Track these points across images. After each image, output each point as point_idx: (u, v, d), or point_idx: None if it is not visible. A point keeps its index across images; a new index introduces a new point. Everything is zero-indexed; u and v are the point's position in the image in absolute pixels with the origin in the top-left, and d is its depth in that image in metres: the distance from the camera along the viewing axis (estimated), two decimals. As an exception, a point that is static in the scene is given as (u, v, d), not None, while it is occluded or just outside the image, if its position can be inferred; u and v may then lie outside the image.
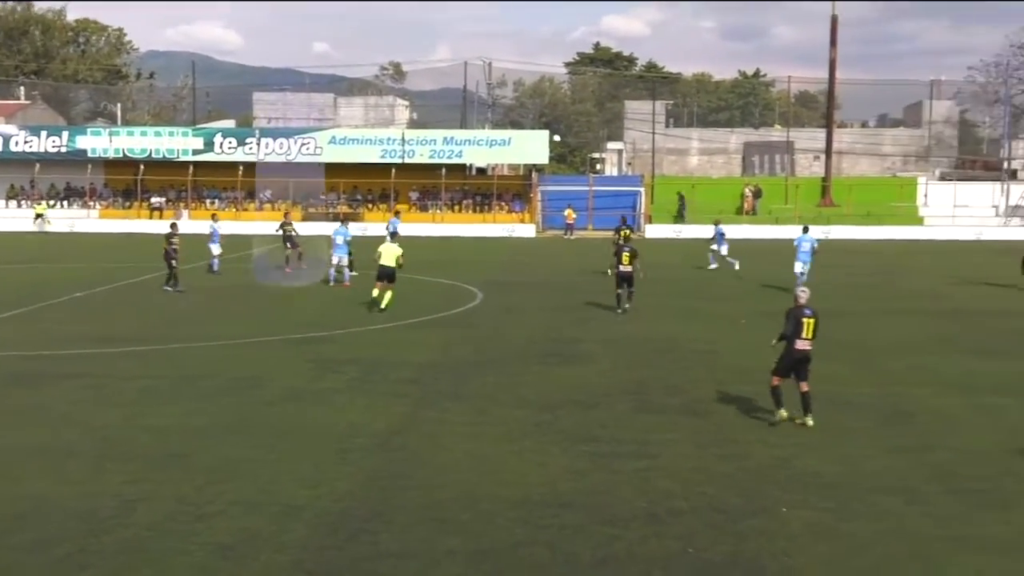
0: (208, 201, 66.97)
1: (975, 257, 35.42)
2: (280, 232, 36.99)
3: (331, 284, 30.93)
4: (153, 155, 65.85)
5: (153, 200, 66.57)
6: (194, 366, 18.39)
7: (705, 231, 38.45)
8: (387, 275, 25.14)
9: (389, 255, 25.28)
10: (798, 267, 30.78)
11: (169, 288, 29.41)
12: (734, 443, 13.19)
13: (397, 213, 44.97)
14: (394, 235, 29.89)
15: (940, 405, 15.40)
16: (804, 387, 14.11)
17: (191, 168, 65.80)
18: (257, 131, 69.54)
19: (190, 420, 14.26)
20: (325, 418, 14.37)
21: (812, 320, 14.09)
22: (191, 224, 60.56)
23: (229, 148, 65.77)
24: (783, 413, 14.07)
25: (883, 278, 35.52)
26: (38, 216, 62.47)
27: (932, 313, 26.05)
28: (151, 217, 65.27)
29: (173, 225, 31.67)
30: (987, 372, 17.98)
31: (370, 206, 66.50)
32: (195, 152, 65.77)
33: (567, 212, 62.81)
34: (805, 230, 32.37)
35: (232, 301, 28.07)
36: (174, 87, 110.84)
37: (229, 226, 56.89)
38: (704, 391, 16.22)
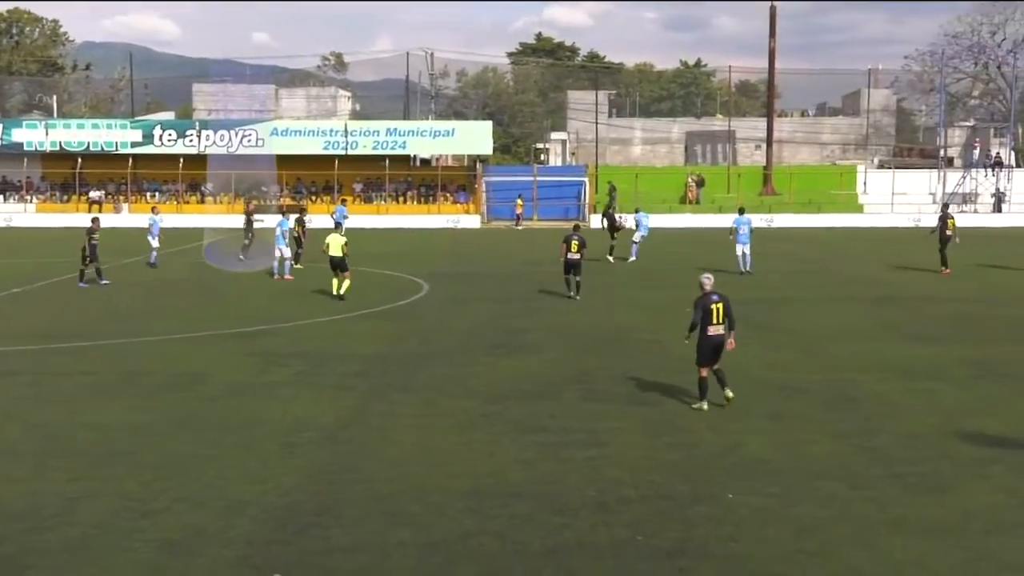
0: (148, 194, 66.06)
1: (913, 244, 36.02)
2: (246, 220, 36.19)
3: (275, 277, 30.69)
4: (91, 148, 64.82)
5: (92, 194, 65.54)
6: (136, 362, 18.15)
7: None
8: (337, 264, 26.09)
9: (335, 245, 26.14)
10: (739, 249, 31.94)
11: (85, 284, 29.21)
12: (681, 431, 13.30)
13: (344, 201, 44.79)
14: (338, 225, 29.82)
15: (882, 390, 15.64)
16: (716, 366, 14.52)
17: (131, 161, 64.89)
18: (197, 123, 68.70)
19: (133, 417, 14.08)
20: (271, 412, 14.25)
21: (720, 305, 14.40)
22: (131, 218, 59.90)
23: (169, 140, 64.94)
24: (704, 406, 14.32)
25: (825, 265, 35.99)
26: None
27: (873, 300, 26.43)
28: (90, 211, 64.19)
29: (95, 219, 31.38)
30: (925, 357, 18.29)
31: (314, 198, 66.03)
32: (134, 145, 64.85)
33: (517, 202, 62.93)
34: (741, 212, 33.11)
35: (173, 295, 27.74)
36: (111, 79, 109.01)
37: (172, 219, 56.32)
38: (651, 380, 16.32)
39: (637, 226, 37.92)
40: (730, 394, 14.47)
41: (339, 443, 12.77)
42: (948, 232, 32.81)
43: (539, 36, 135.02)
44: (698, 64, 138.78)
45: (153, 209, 38.31)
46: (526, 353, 18.86)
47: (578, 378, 16.53)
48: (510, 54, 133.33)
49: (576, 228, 28.23)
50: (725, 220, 59.71)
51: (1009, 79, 76.17)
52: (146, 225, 35.39)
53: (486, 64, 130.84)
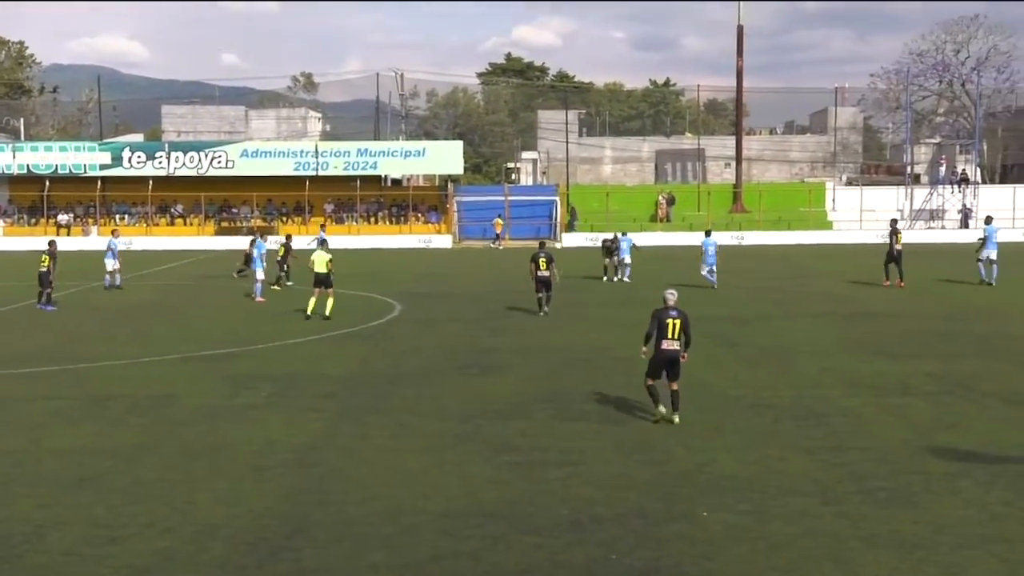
0: (118, 217, 65.68)
1: (881, 260, 36.27)
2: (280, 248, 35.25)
3: (255, 298, 30.76)
4: (59, 171, 64.41)
5: (60, 217, 65.09)
6: (103, 386, 17.97)
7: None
8: (323, 281, 26.41)
9: (321, 262, 26.50)
10: (704, 269, 32.92)
11: (41, 306, 29.16)
12: (654, 449, 13.30)
13: (323, 227, 44.76)
14: (323, 242, 29.86)
15: (851, 406, 15.72)
16: (674, 386, 14.59)
17: (99, 183, 64.51)
18: (166, 145, 68.46)
19: (100, 441, 13.94)
20: (241, 435, 14.14)
21: (678, 321, 14.50)
22: (100, 240, 59.44)
23: (138, 162, 64.62)
24: (661, 410, 14.48)
25: (795, 282, 36.19)
26: None
27: (843, 316, 26.60)
28: (58, 234, 63.74)
29: (51, 243, 31.16)
30: (894, 373, 18.41)
31: (284, 219, 65.85)
32: (103, 167, 64.50)
33: (496, 222, 62.98)
34: (708, 234, 34.08)
35: (141, 318, 27.53)
36: (79, 101, 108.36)
37: (141, 242, 55.94)
38: (624, 398, 16.32)
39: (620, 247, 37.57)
40: (676, 419, 14.45)
41: (310, 466, 12.68)
42: (897, 246, 33.78)
43: (508, 56, 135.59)
44: (667, 83, 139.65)
45: (113, 231, 38.08)
46: (498, 373, 18.83)
47: (550, 397, 16.52)
48: (480, 74, 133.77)
49: (542, 245, 28.21)
50: (696, 238, 60.14)
51: (973, 96, 77.10)
52: (104, 248, 35.15)
53: (456, 84, 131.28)
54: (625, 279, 36.05)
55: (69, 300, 31.52)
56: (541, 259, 26.47)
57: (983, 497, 11.13)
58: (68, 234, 63.78)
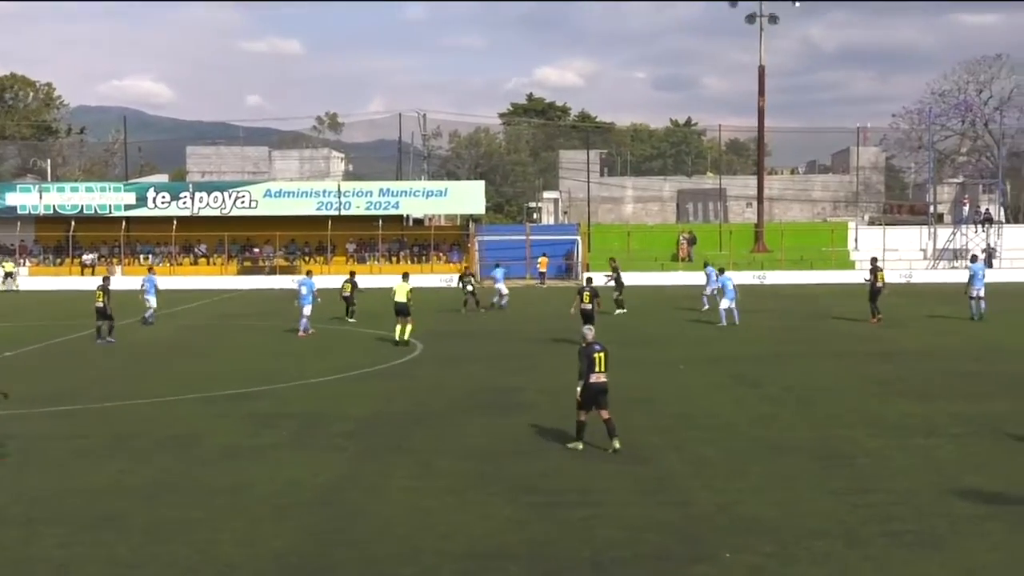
0: (142, 256, 66.21)
1: (904, 299, 36.18)
2: (461, 284, 40.47)
3: (300, 334, 31.68)
4: (84, 211, 65.11)
5: (85, 257, 65.64)
6: (126, 425, 18.02)
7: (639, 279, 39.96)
8: (402, 311, 29.12)
9: (402, 292, 29.40)
10: (725, 303, 33.43)
11: (103, 341, 30.01)
12: (676, 490, 13.21)
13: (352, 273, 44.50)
14: (406, 276, 31.55)
15: (876, 447, 15.57)
16: (605, 415, 15.07)
17: (124, 224, 65.09)
18: (191, 185, 69.10)
19: (123, 480, 13.96)
20: (263, 475, 14.14)
21: (602, 354, 15.07)
22: (125, 280, 59.91)
23: (162, 203, 65.26)
24: (579, 445, 15.16)
25: (818, 321, 36.02)
26: (7, 275, 61.09)
27: (866, 355, 26.42)
28: (83, 274, 64.30)
29: (105, 278, 32.03)
30: (919, 414, 18.24)
31: (307, 259, 66.18)
32: (128, 207, 65.18)
33: (541, 260, 63.18)
34: (722, 271, 34.96)
35: (164, 357, 27.65)
36: (105, 142, 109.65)
37: (165, 281, 56.33)
38: (645, 438, 16.23)
39: (709, 280, 39.17)
40: (617, 445, 14.98)
41: (331, 505, 12.65)
42: (878, 284, 34.67)
43: (530, 96, 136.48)
44: (688, 123, 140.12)
45: (149, 268, 38.93)
46: (520, 412, 18.77)
47: (572, 437, 16.43)
48: (502, 114, 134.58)
49: (589, 281, 30.18)
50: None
51: (996, 136, 77.04)
52: (139, 286, 36.00)
53: (478, 124, 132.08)
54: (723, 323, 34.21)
55: (93, 339, 31.69)
56: (586, 292, 28.14)
57: (1011, 540, 10.98)
58: (92, 274, 64.26)
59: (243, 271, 64.98)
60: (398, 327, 29.14)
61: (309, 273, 36.09)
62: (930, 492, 12.93)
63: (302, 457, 15.23)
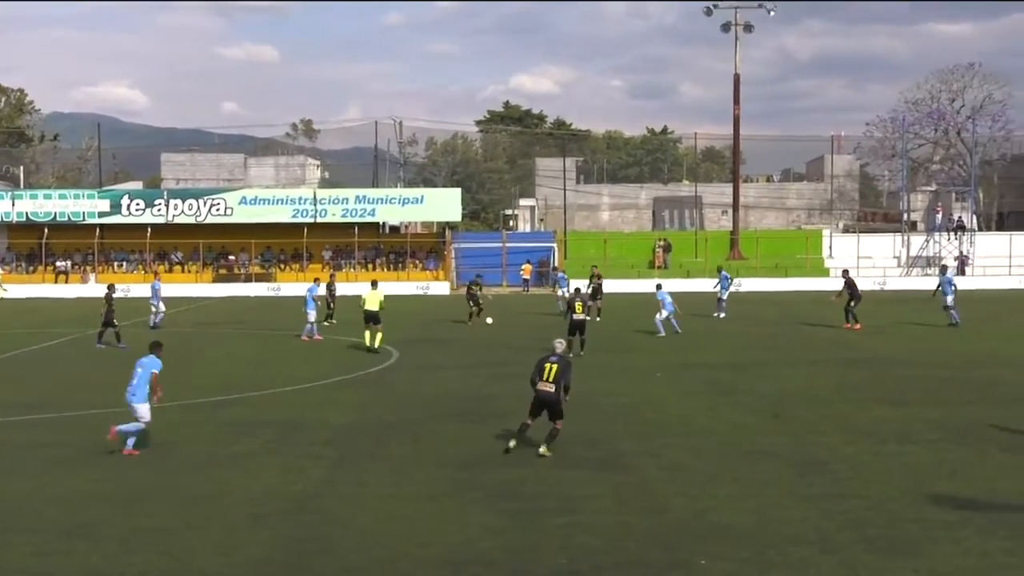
0: (116, 264, 65.83)
1: (878, 306, 36.45)
2: (468, 295, 39.06)
3: (303, 338, 32.25)
4: (58, 218, 64.67)
5: (58, 264, 65.20)
6: (103, 433, 17.84)
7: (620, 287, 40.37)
8: (374, 318, 29.03)
9: (374, 300, 29.28)
10: (662, 315, 33.67)
11: (103, 344, 30.68)
12: (652, 496, 13.26)
13: (327, 277, 44.43)
14: (375, 283, 31.75)
15: (850, 453, 15.68)
16: (558, 425, 15.38)
17: (98, 231, 64.70)
18: (165, 192, 68.72)
19: (99, 488, 13.89)
20: (239, 483, 14.09)
21: (555, 366, 15.44)
22: (98, 288, 59.56)
23: (137, 210, 64.88)
24: (511, 444, 15.54)
25: (793, 328, 36.22)
26: None
27: (841, 362, 26.59)
28: (56, 281, 63.89)
29: (110, 287, 32.74)
30: (894, 420, 18.38)
31: (283, 266, 65.99)
32: (102, 214, 64.78)
33: (525, 267, 63.31)
34: (659, 287, 35.24)
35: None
36: (79, 149, 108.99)
37: (139, 289, 56.04)
38: (623, 445, 16.29)
39: (723, 282, 40.86)
40: (542, 450, 15.23)
41: (308, 513, 12.63)
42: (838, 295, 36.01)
43: (507, 104, 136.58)
44: (664, 131, 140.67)
45: (155, 275, 41.57)
46: (497, 419, 18.76)
47: (536, 443, 16.46)
48: (478, 122, 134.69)
49: (577, 291, 30.33)
50: (693, 284, 60.33)
51: (969, 144, 77.66)
52: (149, 293, 37.73)
53: (455, 132, 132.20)
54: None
55: (68, 347, 31.50)
56: (577, 303, 27.76)
57: (984, 545, 11.09)
58: (66, 281, 63.90)
59: (218, 279, 64.74)
60: (367, 334, 29.15)
61: (317, 280, 36.85)
62: (904, 498, 13.03)
63: (278, 465, 15.19)
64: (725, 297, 40.43)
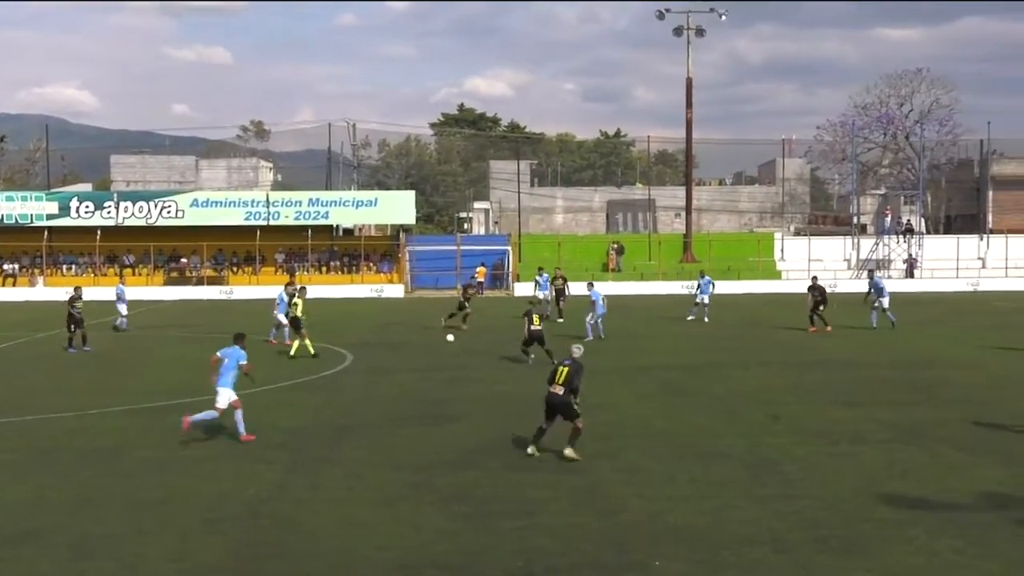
0: (65, 267, 64.93)
1: (829, 309, 36.80)
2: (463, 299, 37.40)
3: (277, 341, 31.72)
4: (5, 220, 63.67)
5: (5, 267, 64.20)
6: (49, 438, 17.64)
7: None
8: (297, 325, 29.19)
9: (299, 307, 29.67)
10: (591, 318, 33.08)
11: (74, 349, 30.30)
12: (608, 499, 13.28)
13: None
14: (303, 290, 31.58)
15: (803, 454, 15.80)
16: (578, 424, 15.26)
17: (46, 233, 63.78)
18: (115, 194, 67.85)
19: (45, 495, 13.65)
20: (191, 487, 13.93)
21: (567, 368, 15.47)
22: (47, 291, 58.80)
23: (86, 212, 64.02)
24: (531, 450, 15.56)
25: (746, 330, 36.48)
26: None
27: (793, 364, 26.83)
28: (3, 285, 62.89)
29: (76, 288, 32.18)
30: (845, 420, 18.56)
31: (235, 269, 65.43)
32: (50, 217, 63.86)
33: (479, 270, 63.25)
34: (591, 285, 34.95)
35: (90, 370, 27.13)
36: (26, 150, 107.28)
37: (89, 292, 55.37)
38: (577, 447, 16.28)
39: (702, 286, 40.76)
40: (568, 452, 15.21)
41: (261, 518, 12.51)
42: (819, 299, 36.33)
43: (461, 107, 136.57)
44: (617, 134, 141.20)
45: (121, 279, 41.74)
46: (451, 422, 18.74)
47: (504, 447, 16.45)
48: (432, 124, 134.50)
49: (535, 302, 30.57)
50: (647, 287, 60.65)
51: (917, 149, 78.70)
52: (114, 296, 37.96)
53: (408, 134, 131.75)
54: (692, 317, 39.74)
55: (15, 352, 31.01)
56: (535, 315, 26.94)
57: (933, 544, 11.21)
58: (14, 285, 62.93)
59: (170, 281, 64.07)
60: (308, 342, 28.58)
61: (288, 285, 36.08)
62: (856, 498, 13.16)
63: (231, 470, 15.03)
64: (707, 301, 40.26)
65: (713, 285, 41.24)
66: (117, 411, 20.35)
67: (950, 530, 11.70)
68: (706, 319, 39.72)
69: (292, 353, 28.31)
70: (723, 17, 67.96)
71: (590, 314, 33.25)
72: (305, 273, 64.42)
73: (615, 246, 67.67)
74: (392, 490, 13.76)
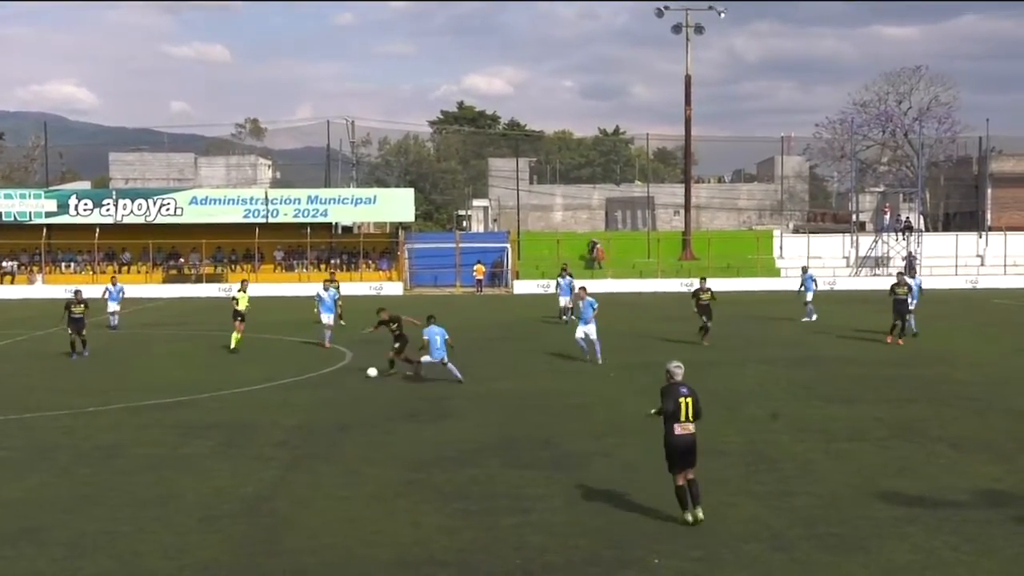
0: (63, 265, 64.91)
1: (828, 306, 36.86)
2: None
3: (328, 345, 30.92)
4: (4, 218, 63.64)
5: (3, 264, 64.18)
6: (49, 436, 17.65)
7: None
8: (240, 317, 30.01)
9: (244, 301, 30.47)
10: (580, 331, 27.65)
11: (75, 356, 28.80)
12: (606, 496, 13.29)
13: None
14: (245, 283, 32.47)
15: (801, 451, 15.83)
16: (690, 475, 12.25)
17: (45, 231, 63.77)
18: (114, 192, 67.83)
19: (44, 492, 13.67)
20: (189, 485, 13.94)
21: (689, 400, 12.37)
22: (45, 289, 58.82)
23: (85, 210, 64.00)
24: (689, 517, 11.93)
25: (744, 328, 36.47)
26: None
27: (791, 361, 26.84)
28: (2, 282, 62.88)
29: (76, 292, 30.58)
30: (843, 418, 18.59)
31: (234, 267, 65.41)
32: (49, 215, 63.85)
33: (477, 268, 63.05)
34: (562, 273, 35.93)
35: (89, 368, 27.13)
36: (25, 148, 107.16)
37: (88, 290, 55.42)
38: (575, 445, 16.32)
39: (807, 283, 39.59)
40: (700, 514, 11.91)
41: (260, 515, 12.52)
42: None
43: (460, 104, 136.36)
44: (616, 132, 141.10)
45: (112, 278, 40.63)
46: (449, 420, 18.76)
47: (502, 444, 16.47)
48: (431, 122, 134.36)
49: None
50: (641, 285, 60.60)
51: (916, 146, 78.66)
52: (102, 294, 37.87)
53: (407, 132, 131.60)
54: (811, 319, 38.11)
55: (14, 349, 31.01)
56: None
57: (930, 542, 11.23)
58: (12, 282, 62.92)
59: (169, 279, 64.06)
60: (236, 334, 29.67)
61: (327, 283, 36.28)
62: (853, 495, 13.18)
63: (229, 467, 15.05)
64: (810, 299, 38.78)
65: (815, 281, 39.52)
66: (115, 409, 20.36)
67: (947, 527, 11.72)
68: (814, 316, 38.06)
69: (232, 346, 29.38)
70: (722, 15, 67.92)
71: (579, 326, 28.48)
72: (304, 271, 64.45)
73: (595, 244, 66.92)
74: (390, 487, 13.77)
